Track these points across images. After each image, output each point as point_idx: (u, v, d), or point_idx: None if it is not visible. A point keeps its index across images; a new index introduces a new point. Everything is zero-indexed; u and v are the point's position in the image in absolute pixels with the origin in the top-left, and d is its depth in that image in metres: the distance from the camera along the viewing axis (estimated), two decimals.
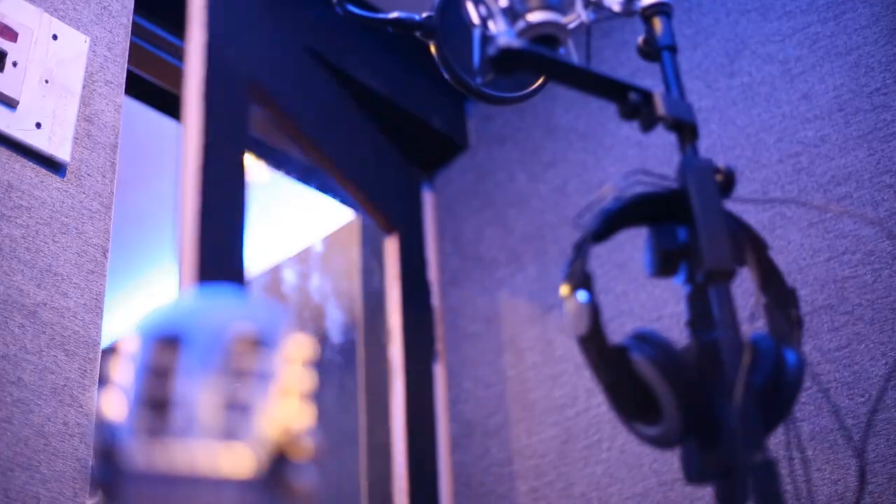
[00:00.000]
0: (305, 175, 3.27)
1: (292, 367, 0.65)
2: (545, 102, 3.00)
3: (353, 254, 3.42)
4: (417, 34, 1.35)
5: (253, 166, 3.57)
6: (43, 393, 1.65)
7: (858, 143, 2.32)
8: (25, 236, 1.72)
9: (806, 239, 2.31)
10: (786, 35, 2.55)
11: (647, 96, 1.21)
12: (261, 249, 4.64)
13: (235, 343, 0.65)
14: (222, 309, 0.69)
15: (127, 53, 2.03)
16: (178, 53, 2.72)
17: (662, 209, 1.20)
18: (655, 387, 1.16)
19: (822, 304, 2.24)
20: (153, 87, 2.76)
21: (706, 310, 1.17)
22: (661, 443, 1.28)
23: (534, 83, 1.41)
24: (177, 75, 2.76)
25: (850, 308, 2.20)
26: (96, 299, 1.79)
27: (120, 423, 0.63)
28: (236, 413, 0.63)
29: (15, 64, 1.79)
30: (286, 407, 0.63)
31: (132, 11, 2.08)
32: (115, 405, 0.64)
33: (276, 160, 3.18)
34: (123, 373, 0.66)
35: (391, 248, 2.99)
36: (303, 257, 4.70)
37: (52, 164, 1.80)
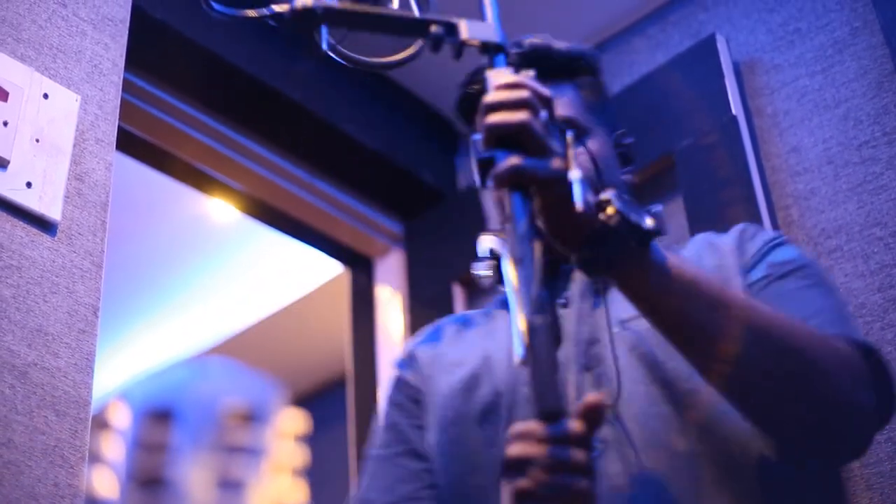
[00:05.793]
0: (290, 226, 3.24)
1: (284, 442, 0.65)
2: None
3: (342, 309, 3.38)
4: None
5: (219, 207, 3.55)
6: (33, 454, 1.63)
7: (848, 195, 2.33)
8: (16, 296, 1.71)
9: None
10: (774, 88, 2.56)
11: (450, 27, 1.28)
12: (242, 304, 4.60)
13: (227, 418, 0.65)
14: (213, 381, 0.68)
15: (118, 111, 2.03)
16: (168, 109, 2.73)
17: None
18: None
19: None
20: (143, 143, 2.77)
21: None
22: None
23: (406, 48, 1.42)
24: (167, 130, 2.77)
25: None
26: (87, 359, 1.78)
27: (111, 500, 0.62)
28: (229, 490, 0.62)
29: (6, 123, 1.79)
30: (279, 483, 0.63)
31: (123, 69, 2.08)
32: (106, 482, 0.63)
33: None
34: (114, 448, 0.65)
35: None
36: (288, 313, 4.64)
37: (43, 224, 1.80)
